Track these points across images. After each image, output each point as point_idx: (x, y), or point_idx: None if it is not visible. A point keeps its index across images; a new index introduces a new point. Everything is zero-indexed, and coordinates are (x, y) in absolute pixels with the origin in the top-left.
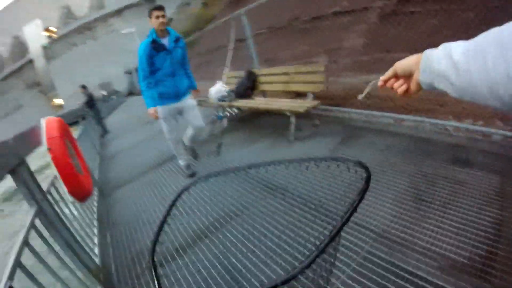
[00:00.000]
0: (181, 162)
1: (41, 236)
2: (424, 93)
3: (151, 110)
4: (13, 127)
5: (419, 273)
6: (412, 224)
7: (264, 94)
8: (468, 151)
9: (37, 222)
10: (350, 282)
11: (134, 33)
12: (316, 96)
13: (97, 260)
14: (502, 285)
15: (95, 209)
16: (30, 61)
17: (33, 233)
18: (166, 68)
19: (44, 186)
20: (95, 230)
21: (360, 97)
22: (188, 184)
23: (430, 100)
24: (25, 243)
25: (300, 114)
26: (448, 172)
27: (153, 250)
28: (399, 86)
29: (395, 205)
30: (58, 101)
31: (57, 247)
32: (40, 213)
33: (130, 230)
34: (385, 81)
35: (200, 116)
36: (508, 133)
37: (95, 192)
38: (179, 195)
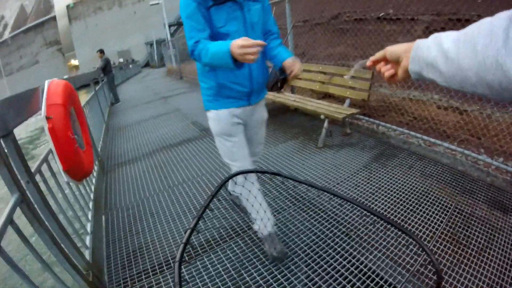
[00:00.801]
0: (259, 227)
1: (19, 232)
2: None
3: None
4: (25, 82)
5: None
6: (447, 268)
7: (292, 89)
8: (507, 194)
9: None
10: None
11: (161, 5)
12: (352, 103)
13: (87, 253)
14: None
15: (92, 188)
16: (54, 19)
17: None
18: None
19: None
20: (90, 215)
21: (346, 76)
22: (233, 173)
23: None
24: None
25: (335, 120)
26: (485, 215)
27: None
28: (387, 70)
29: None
30: (74, 62)
31: (38, 244)
32: (22, 203)
33: (129, 219)
34: (374, 62)
35: (263, 140)
36: None
37: (95, 167)
38: (223, 183)
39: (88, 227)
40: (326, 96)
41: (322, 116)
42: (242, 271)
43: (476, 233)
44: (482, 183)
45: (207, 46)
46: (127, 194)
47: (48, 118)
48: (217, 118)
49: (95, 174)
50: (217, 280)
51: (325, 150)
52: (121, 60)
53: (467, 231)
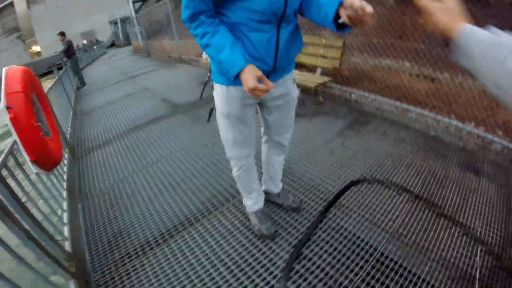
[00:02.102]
0: (250, 204)
1: None
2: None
3: (249, 77)
4: None
5: (432, 281)
6: (424, 228)
7: None
8: (478, 158)
9: None
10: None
11: None
12: (324, 72)
13: (67, 244)
14: None
15: (65, 177)
16: (11, 5)
17: None
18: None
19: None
20: (65, 204)
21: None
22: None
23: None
24: None
25: (307, 89)
26: (459, 177)
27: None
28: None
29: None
30: (36, 48)
31: (13, 242)
32: None
33: (106, 204)
34: None
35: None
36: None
37: (65, 155)
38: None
39: (65, 218)
40: (298, 66)
41: None
42: (225, 245)
43: (451, 195)
44: (455, 147)
45: (214, 37)
46: (101, 179)
47: (8, 108)
48: (226, 96)
49: (66, 162)
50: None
51: (299, 119)
52: (85, 41)
53: (442, 193)
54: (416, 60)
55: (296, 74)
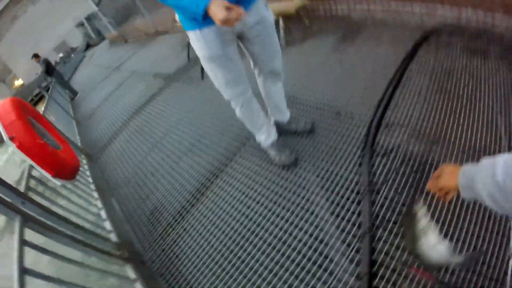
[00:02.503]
0: (264, 139)
1: (34, 247)
2: None
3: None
4: None
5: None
6: (443, 119)
7: None
8: (482, 40)
9: (28, 233)
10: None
11: None
12: None
13: (113, 236)
14: None
15: (90, 179)
16: None
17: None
18: None
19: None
20: (99, 203)
21: None
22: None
23: None
24: (23, 270)
25: (289, 16)
26: (466, 64)
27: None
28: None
29: (423, 101)
30: (18, 82)
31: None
32: (26, 222)
33: (135, 188)
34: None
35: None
36: None
37: (83, 161)
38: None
39: (103, 214)
40: None
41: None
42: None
43: (460, 83)
44: (455, 35)
45: None
46: (123, 169)
47: (11, 138)
48: (203, 39)
49: (86, 167)
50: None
51: (290, 47)
52: (61, 55)
53: (452, 82)
54: None
55: (274, 5)
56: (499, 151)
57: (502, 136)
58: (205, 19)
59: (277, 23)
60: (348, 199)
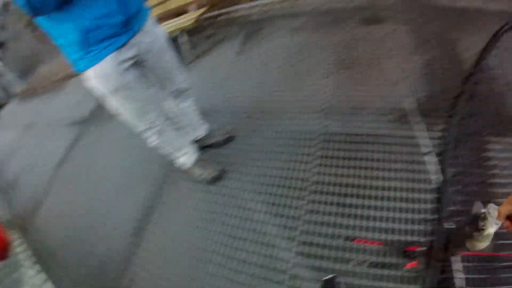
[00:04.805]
0: (185, 160)
1: None
2: None
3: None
4: None
5: (379, 131)
6: (353, 90)
7: None
8: (373, 9)
9: None
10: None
11: None
12: (204, 4)
13: None
14: None
15: (27, 252)
16: None
17: None
18: None
19: None
20: (43, 275)
21: None
22: None
23: None
24: None
25: (192, 29)
26: (363, 32)
27: None
28: None
29: (331, 77)
30: None
31: None
32: None
33: (77, 245)
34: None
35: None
36: None
37: (14, 235)
38: None
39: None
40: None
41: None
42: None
43: (362, 52)
44: (350, 9)
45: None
46: (60, 229)
47: None
48: (102, 74)
49: (20, 240)
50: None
51: (198, 60)
52: None
53: (352, 54)
54: None
55: (171, 22)
56: None
57: None
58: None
59: (176, 39)
60: (282, 195)
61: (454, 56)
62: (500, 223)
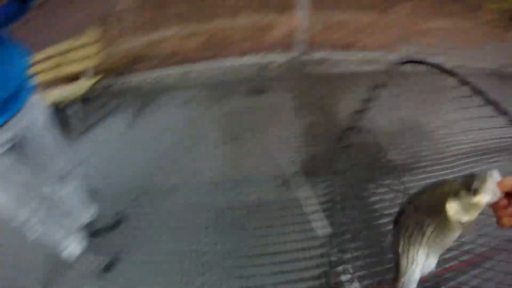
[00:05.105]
0: (71, 251)
1: None
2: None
3: None
4: None
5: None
6: (241, 160)
7: None
8: (258, 80)
9: None
10: None
11: None
12: (99, 71)
13: None
14: None
15: None
16: None
17: None
18: None
19: None
20: None
21: None
22: None
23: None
24: None
25: (85, 98)
26: (249, 102)
27: None
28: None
29: (220, 148)
30: None
31: None
32: None
33: None
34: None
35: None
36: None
37: None
38: None
39: None
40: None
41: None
42: None
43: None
44: (238, 81)
45: None
46: None
47: None
48: None
49: None
50: None
51: (89, 132)
52: None
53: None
54: (183, 21)
55: (60, 90)
56: None
57: None
58: None
59: (65, 108)
60: (179, 272)
61: (332, 118)
62: (497, 196)
